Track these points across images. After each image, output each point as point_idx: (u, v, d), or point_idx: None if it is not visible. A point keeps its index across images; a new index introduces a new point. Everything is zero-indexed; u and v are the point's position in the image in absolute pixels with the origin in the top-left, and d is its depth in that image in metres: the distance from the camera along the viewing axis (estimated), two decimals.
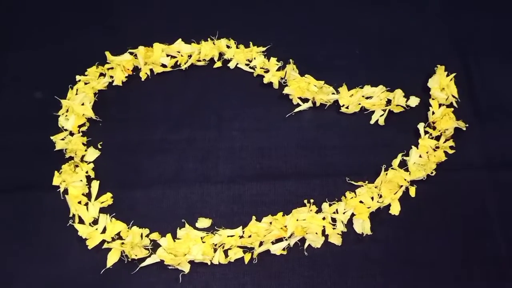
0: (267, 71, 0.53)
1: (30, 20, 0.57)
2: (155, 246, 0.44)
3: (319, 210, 0.46)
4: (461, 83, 0.52)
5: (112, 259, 0.44)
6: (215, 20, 0.56)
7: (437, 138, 0.50)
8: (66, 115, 0.50)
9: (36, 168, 0.48)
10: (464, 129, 0.50)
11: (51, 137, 0.49)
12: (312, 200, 0.46)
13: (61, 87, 0.51)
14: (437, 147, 0.49)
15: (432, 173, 0.48)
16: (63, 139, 0.49)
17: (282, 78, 0.53)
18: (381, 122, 0.51)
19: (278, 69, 0.53)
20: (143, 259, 0.44)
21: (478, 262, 0.44)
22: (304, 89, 0.51)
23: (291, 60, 0.53)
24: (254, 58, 0.54)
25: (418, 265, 0.44)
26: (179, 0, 0.59)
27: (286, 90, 0.52)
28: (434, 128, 0.50)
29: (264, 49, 0.54)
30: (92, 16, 0.57)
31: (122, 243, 0.44)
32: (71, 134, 0.49)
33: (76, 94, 0.51)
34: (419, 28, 0.56)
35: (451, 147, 0.49)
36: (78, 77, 0.52)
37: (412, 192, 0.47)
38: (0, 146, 0.49)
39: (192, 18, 0.57)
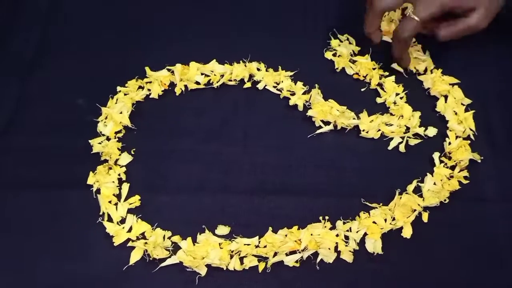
0: (293, 93, 0.56)
1: (80, 38, 0.62)
2: (175, 248, 0.47)
3: (333, 227, 0.48)
4: (479, 117, 0.54)
5: (135, 257, 0.47)
6: (248, 45, 0.60)
7: (452, 168, 0.51)
8: (105, 122, 0.54)
9: (73, 168, 0.51)
10: (479, 161, 0.52)
11: (89, 141, 0.53)
12: (327, 217, 0.48)
13: (102, 97, 0.56)
14: (452, 176, 0.51)
15: (445, 200, 0.49)
16: (100, 143, 0.53)
17: (306, 101, 0.56)
18: (402, 149, 0.53)
19: (304, 93, 0.56)
20: (164, 259, 0.46)
21: None
22: (327, 112, 0.54)
23: (316, 85, 0.56)
24: (282, 81, 0.57)
25: None
26: (215, 26, 0.63)
27: (309, 113, 0.55)
28: (450, 158, 0.52)
29: (291, 73, 0.58)
30: (136, 36, 0.62)
31: (146, 243, 0.47)
32: (108, 139, 0.53)
33: (116, 103, 0.55)
34: (440, 64, 0.58)
35: (465, 178, 0.51)
36: (118, 88, 0.56)
37: (425, 217, 0.49)
38: (43, 146, 0.53)
39: (227, 42, 0.61)
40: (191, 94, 0.57)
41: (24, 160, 0.52)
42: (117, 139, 0.54)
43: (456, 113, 0.55)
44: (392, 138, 0.54)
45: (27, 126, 0.54)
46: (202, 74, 0.58)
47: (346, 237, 0.47)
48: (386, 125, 0.54)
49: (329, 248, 0.47)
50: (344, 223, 0.48)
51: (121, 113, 0.55)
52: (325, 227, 0.48)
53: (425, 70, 0.58)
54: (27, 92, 0.57)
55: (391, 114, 0.55)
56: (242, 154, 0.53)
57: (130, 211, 0.49)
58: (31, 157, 0.52)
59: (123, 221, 0.49)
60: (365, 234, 0.48)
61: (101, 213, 0.49)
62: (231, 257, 0.46)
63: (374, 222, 0.48)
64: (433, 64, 0.58)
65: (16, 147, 0.53)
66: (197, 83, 0.57)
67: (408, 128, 0.54)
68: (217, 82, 0.57)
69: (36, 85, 0.58)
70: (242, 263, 0.46)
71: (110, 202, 0.49)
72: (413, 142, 0.53)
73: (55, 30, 0.62)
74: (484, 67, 0.59)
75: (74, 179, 0.51)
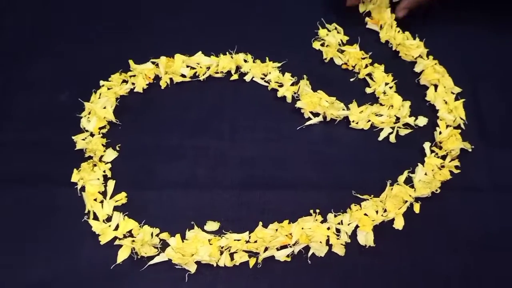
0: (281, 85, 0.55)
1: (60, 30, 0.60)
2: (164, 245, 0.46)
3: (324, 220, 0.47)
4: (470, 106, 0.54)
5: (122, 255, 0.45)
6: (235, 36, 0.58)
7: (443, 157, 0.51)
8: (88, 117, 0.53)
9: (56, 164, 0.50)
10: (470, 150, 0.51)
11: (73, 137, 0.51)
12: (318, 210, 0.48)
13: (85, 91, 0.54)
14: (443, 166, 0.50)
15: (436, 191, 0.49)
16: (84, 139, 0.51)
17: (295, 93, 0.55)
18: (392, 139, 0.52)
19: (292, 84, 0.55)
20: (152, 257, 0.45)
21: (479, 280, 0.45)
22: (316, 104, 0.53)
23: (304, 76, 0.55)
24: (270, 73, 0.56)
25: (418, 280, 0.45)
26: (201, 17, 0.61)
27: (298, 104, 0.54)
28: (441, 148, 0.51)
29: (279, 64, 0.56)
30: (118, 28, 0.60)
31: (133, 241, 0.46)
32: (92, 135, 0.52)
33: (99, 98, 0.54)
34: (430, 53, 0.58)
35: (456, 167, 0.50)
36: (102, 82, 0.55)
37: (417, 208, 0.48)
38: (25, 142, 0.52)
39: (213, 32, 0.60)
40: (176, 88, 0.56)
41: (7, 157, 0.51)
42: (101, 135, 0.52)
43: (446, 102, 0.54)
44: (382, 129, 0.53)
45: (9, 123, 0.53)
46: (187, 66, 0.56)
47: (338, 230, 0.47)
48: (376, 115, 0.53)
49: (320, 242, 0.46)
50: (335, 216, 0.47)
51: (104, 108, 0.53)
52: (316, 220, 0.47)
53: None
54: (8, 88, 0.55)
55: (381, 104, 0.54)
56: (230, 148, 0.52)
57: (116, 208, 0.48)
58: (14, 154, 0.51)
59: (109, 219, 0.47)
60: (357, 226, 0.47)
61: (86, 211, 0.48)
62: (221, 253, 0.45)
63: (365, 214, 0.47)
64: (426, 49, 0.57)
65: None
66: (183, 76, 0.56)
67: (398, 118, 0.53)
68: (203, 75, 0.56)
69: (19, 80, 0.56)
70: (232, 259, 0.45)
71: (95, 200, 0.48)
72: (403, 132, 0.53)
73: (38, 25, 0.60)
74: (475, 55, 0.58)
75: (57, 176, 0.49)
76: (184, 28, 0.60)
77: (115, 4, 0.62)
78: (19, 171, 0.50)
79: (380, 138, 0.53)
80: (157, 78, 0.56)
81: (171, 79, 0.56)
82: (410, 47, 0.57)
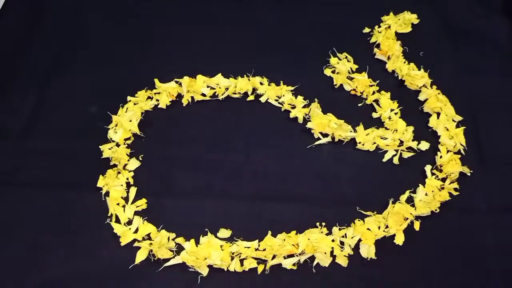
0: (293, 107, 0.60)
1: (95, 50, 0.66)
2: (179, 249, 0.49)
3: (329, 233, 0.51)
4: (470, 133, 0.58)
5: (140, 256, 0.49)
6: (252, 61, 0.63)
7: (443, 180, 0.54)
8: (115, 129, 0.57)
9: (84, 171, 0.54)
10: (469, 174, 0.55)
11: (100, 146, 0.56)
12: (323, 224, 0.51)
13: (114, 106, 0.59)
14: (442, 188, 0.53)
15: (436, 210, 0.52)
16: (110, 149, 0.56)
17: (306, 114, 0.59)
18: (396, 161, 0.56)
19: (304, 106, 0.59)
20: (168, 260, 0.49)
21: None
22: (325, 125, 0.57)
23: (316, 99, 0.59)
24: (283, 95, 0.60)
25: None
26: (222, 43, 0.66)
27: (309, 125, 0.58)
28: (441, 171, 0.55)
29: (292, 88, 0.61)
30: (148, 49, 0.65)
31: (151, 243, 0.49)
32: (117, 145, 0.56)
33: (126, 112, 0.58)
34: (434, 83, 0.62)
35: (455, 189, 0.53)
36: (129, 98, 0.59)
37: (417, 226, 0.51)
38: (57, 150, 0.56)
39: (233, 58, 0.64)
40: (197, 105, 0.60)
41: (39, 163, 0.55)
42: (126, 145, 0.56)
43: (447, 129, 0.58)
44: (386, 151, 0.57)
45: (43, 131, 0.58)
46: (208, 86, 0.61)
47: (342, 243, 0.50)
48: (381, 138, 0.57)
49: (325, 253, 0.49)
50: (340, 229, 0.51)
51: (130, 121, 0.58)
52: (322, 232, 0.50)
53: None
54: (43, 100, 0.60)
55: (386, 128, 0.58)
56: (244, 162, 0.56)
57: (137, 213, 0.52)
58: (45, 160, 0.55)
59: (130, 222, 0.51)
60: (360, 240, 0.50)
61: (109, 215, 0.51)
62: (232, 258, 0.49)
63: (368, 229, 0.50)
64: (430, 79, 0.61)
65: (32, 150, 0.56)
66: (203, 95, 0.61)
67: (402, 142, 0.57)
68: (222, 95, 0.61)
69: (52, 94, 0.61)
70: (242, 264, 0.49)
71: (118, 204, 0.52)
72: (406, 155, 0.56)
73: (71, 45, 0.66)
74: (476, 85, 0.62)
75: (85, 182, 0.54)
76: (204, 52, 0.65)
77: (140, 31, 0.67)
78: (50, 176, 0.54)
79: (384, 160, 0.56)
80: (180, 96, 0.61)
81: (192, 97, 0.61)
82: (415, 77, 0.61)
